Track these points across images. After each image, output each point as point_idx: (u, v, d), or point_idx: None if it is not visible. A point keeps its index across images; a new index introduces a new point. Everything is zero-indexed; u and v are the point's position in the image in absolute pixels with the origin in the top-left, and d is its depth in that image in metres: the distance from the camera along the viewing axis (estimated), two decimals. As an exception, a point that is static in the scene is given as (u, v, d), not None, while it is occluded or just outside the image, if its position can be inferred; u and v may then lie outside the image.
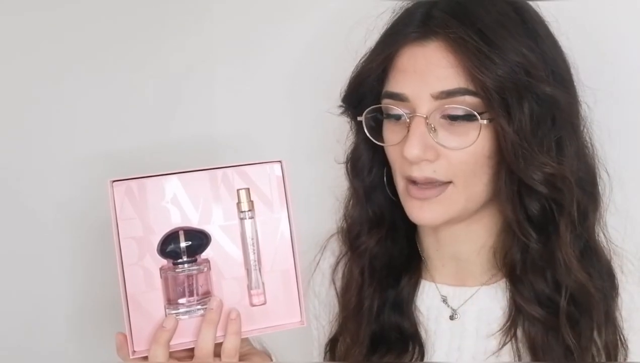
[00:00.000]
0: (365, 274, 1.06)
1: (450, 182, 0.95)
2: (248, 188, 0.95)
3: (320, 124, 1.19)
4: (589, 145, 0.99)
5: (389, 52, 0.96)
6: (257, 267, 0.95)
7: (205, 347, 0.90)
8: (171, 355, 0.91)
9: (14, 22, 1.19)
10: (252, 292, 0.95)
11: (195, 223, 0.94)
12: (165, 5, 1.37)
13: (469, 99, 0.91)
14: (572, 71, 0.97)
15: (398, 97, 0.95)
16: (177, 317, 0.91)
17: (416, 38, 0.93)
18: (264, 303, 0.95)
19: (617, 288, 0.98)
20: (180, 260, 0.92)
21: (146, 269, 0.93)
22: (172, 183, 0.94)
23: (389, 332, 1.05)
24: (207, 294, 0.93)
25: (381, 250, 1.06)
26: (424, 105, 0.92)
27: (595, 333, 0.96)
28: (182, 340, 0.92)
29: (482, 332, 1.02)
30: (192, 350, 0.92)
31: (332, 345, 1.11)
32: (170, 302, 0.92)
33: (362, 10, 1.07)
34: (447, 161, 0.93)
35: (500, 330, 1.00)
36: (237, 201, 0.95)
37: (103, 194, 1.04)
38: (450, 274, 1.06)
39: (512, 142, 0.90)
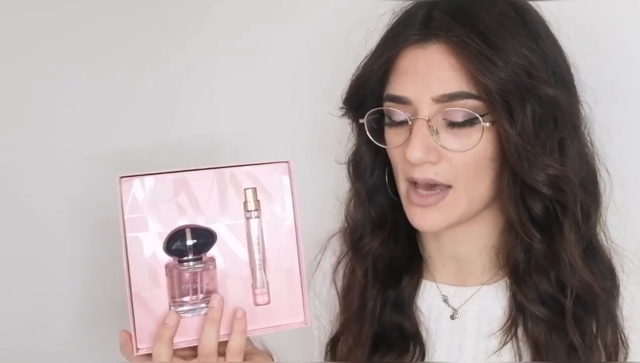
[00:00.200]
0: (369, 275, 1.06)
1: (450, 187, 0.95)
2: (255, 188, 0.95)
3: (321, 125, 1.19)
4: (590, 145, 0.99)
5: (390, 54, 0.96)
6: (262, 267, 0.95)
7: (208, 345, 0.90)
8: (175, 353, 0.91)
9: (14, 22, 1.19)
10: (257, 291, 0.95)
11: (201, 221, 0.94)
12: (165, 5, 1.37)
13: (471, 102, 0.91)
14: (573, 71, 0.98)
15: (400, 100, 0.95)
16: (182, 315, 0.91)
17: (417, 40, 0.93)
18: (268, 303, 0.95)
19: (619, 287, 0.99)
20: (185, 258, 0.92)
21: (151, 266, 0.93)
22: (180, 181, 0.94)
23: (390, 332, 1.05)
24: (212, 293, 0.93)
25: (384, 252, 1.06)
26: (426, 107, 0.92)
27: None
28: (186, 338, 0.92)
29: (483, 332, 1.02)
30: (196, 348, 0.92)
31: (332, 345, 1.11)
32: (175, 300, 0.92)
33: (362, 10, 1.07)
34: (449, 163, 0.93)
35: (500, 329, 1.00)
36: (243, 200, 0.95)
37: (103, 194, 1.04)
38: (451, 274, 1.06)
39: (515, 144, 0.90)
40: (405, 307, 1.06)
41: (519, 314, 0.99)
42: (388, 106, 0.97)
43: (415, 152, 0.92)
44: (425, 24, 0.94)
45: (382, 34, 1.00)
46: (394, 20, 0.99)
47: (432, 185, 0.95)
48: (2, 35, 1.18)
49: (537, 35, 0.94)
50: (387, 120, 0.98)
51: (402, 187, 0.98)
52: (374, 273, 1.06)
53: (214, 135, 1.42)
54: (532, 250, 0.97)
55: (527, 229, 0.95)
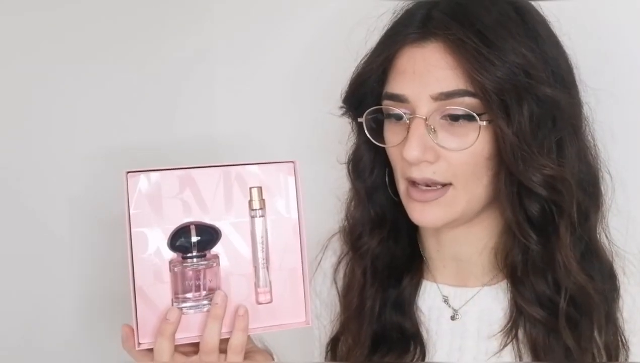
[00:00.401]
0: (368, 274, 1.06)
1: (450, 184, 0.95)
2: (260, 187, 0.95)
3: (321, 124, 1.19)
4: (592, 146, 0.99)
5: (389, 53, 0.96)
6: (265, 266, 0.95)
7: (210, 342, 0.90)
8: (177, 349, 0.91)
9: (14, 22, 1.19)
10: (259, 290, 0.95)
11: (206, 218, 0.94)
12: (165, 5, 1.37)
13: (468, 100, 0.91)
14: (575, 72, 0.97)
15: (398, 98, 0.95)
16: (184, 312, 0.91)
17: (415, 39, 0.94)
18: (270, 302, 0.95)
19: (618, 290, 0.99)
20: (189, 255, 0.92)
21: (155, 262, 0.93)
22: (186, 178, 0.94)
23: (391, 332, 1.05)
24: (215, 290, 0.93)
25: (383, 251, 1.06)
26: (424, 106, 0.92)
27: (596, 334, 0.96)
28: (188, 334, 0.92)
29: (484, 333, 1.02)
30: (197, 345, 0.92)
31: (333, 345, 1.11)
32: (178, 296, 0.92)
33: (362, 10, 1.07)
34: (447, 162, 0.93)
35: (501, 331, 1.00)
36: (249, 199, 0.95)
37: (103, 193, 1.04)
38: (452, 274, 1.06)
39: (511, 143, 0.90)
40: (405, 307, 1.06)
41: (519, 316, 0.99)
42: (386, 105, 0.97)
43: (413, 151, 0.92)
44: (424, 23, 0.94)
45: (382, 33, 1.00)
46: (394, 20, 0.99)
47: (431, 183, 0.95)
48: (2, 35, 1.18)
49: (537, 35, 0.94)
50: (385, 118, 0.98)
51: (402, 186, 0.99)
52: (373, 272, 1.06)
53: (214, 135, 1.42)
54: (529, 252, 0.96)
55: (523, 230, 0.95)
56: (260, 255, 0.95)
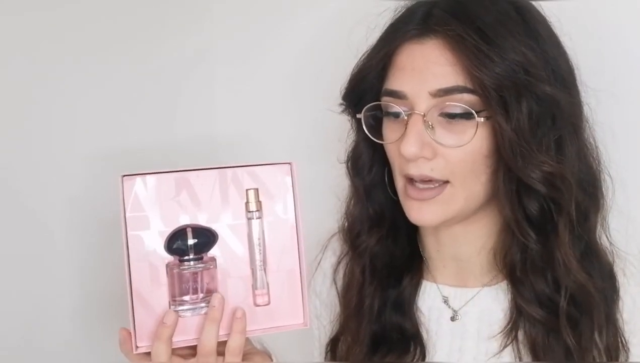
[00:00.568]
0: (366, 273, 1.06)
1: (447, 182, 0.95)
2: (257, 189, 0.95)
3: (321, 124, 1.19)
4: (593, 146, 0.99)
5: (388, 49, 0.96)
6: (263, 268, 0.95)
7: (208, 344, 0.90)
8: (174, 352, 0.91)
9: (14, 22, 1.19)
10: (257, 292, 0.95)
11: (203, 221, 0.94)
12: (165, 5, 1.37)
13: (467, 96, 0.91)
14: (575, 72, 0.97)
15: (397, 95, 0.95)
16: (181, 314, 0.91)
17: (415, 36, 0.94)
18: (268, 304, 0.96)
19: (618, 291, 0.98)
20: (186, 257, 0.92)
21: (152, 265, 0.93)
22: (182, 180, 0.94)
23: (390, 332, 1.05)
24: (212, 292, 0.93)
25: (382, 249, 1.06)
26: (422, 102, 0.92)
27: (596, 335, 0.96)
28: (185, 337, 0.92)
29: (483, 334, 1.02)
30: (195, 347, 0.92)
31: (333, 345, 1.11)
32: (175, 299, 0.92)
33: (362, 9, 1.07)
34: (445, 159, 0.93)
35: (501, 331, 1.00)
36: (245, 201, 0.95)
37: (103, 194, 1.04)
38: (452, 275, 1.06)
39: (510, 139, 0.90)
40: (405, 307, 1.06)
41: (519, 316, 0.99)
42: (385, 101, 0.97)
43: (410, 147, 0.92)
44: (424, 20, 0.94)
45: (382, 31, 1.00)
46: (395, 17, 0.99)
47: (428, 181, 0.95)
48: (2, 35, 1.18)
49: (537, 35, 0.93)
50: (384, 116, 0.98)
51: (400, 183, 0.98)
52: (372, 271, 1.06)
53: (214, 135, 1.42)
54: (528, 251, 0.96)
55: (522, 228, 0.95)
56: (257, 257, 0.95)
